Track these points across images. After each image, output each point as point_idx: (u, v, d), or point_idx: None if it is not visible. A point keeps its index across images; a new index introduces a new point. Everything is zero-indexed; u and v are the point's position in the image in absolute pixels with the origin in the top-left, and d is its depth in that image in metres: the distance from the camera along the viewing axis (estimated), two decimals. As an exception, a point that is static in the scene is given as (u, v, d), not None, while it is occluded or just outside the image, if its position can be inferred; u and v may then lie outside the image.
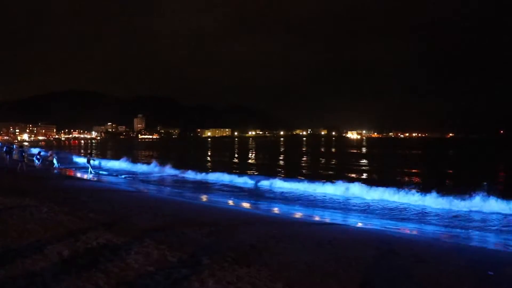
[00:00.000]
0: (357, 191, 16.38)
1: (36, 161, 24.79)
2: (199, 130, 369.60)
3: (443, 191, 14.45)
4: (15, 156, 27.56)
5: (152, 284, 4.24)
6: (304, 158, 49.45)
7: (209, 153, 65.46)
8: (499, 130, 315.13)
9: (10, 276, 4.20)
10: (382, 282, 4.97)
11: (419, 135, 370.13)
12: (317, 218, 11.43)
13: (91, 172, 23.62)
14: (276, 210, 12.86)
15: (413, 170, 31.41)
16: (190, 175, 23.95)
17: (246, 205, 13.77)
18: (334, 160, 44.89)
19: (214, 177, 22.79)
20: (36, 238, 5.82)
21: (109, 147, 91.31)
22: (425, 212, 13.05)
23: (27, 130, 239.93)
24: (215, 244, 6.30)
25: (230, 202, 14.43)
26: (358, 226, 10.45)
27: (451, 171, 33.16)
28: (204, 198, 15.43)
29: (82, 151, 64.81)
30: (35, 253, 5.00)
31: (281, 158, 51.82)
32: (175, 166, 27.15)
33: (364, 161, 44.43)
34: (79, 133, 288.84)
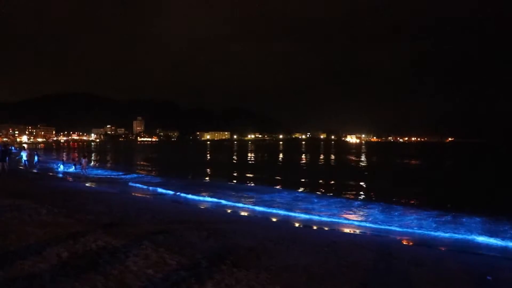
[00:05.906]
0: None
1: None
2: (198, 133, 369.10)
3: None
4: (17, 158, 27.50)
5: (151, 287, 4.25)
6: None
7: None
8: (499, 134, 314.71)
9: (9, 278, 4.20)
10: (379, 285, 4.99)
11: (418, 139, 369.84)
12: (315, 222, 11.42)
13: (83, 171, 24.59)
14: (275, 213, 12.81)
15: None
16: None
17: (245, 208, 13.76)
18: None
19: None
20: (35, 240, 5.82)
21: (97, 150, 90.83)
22: None
23: (27, 132, 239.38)
24: (214, 247, 6.31)
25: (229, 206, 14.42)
26: (356, 230, 10.45)
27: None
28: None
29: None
30: (34, 255, 4.99)
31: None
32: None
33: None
34: (78, 135, 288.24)
